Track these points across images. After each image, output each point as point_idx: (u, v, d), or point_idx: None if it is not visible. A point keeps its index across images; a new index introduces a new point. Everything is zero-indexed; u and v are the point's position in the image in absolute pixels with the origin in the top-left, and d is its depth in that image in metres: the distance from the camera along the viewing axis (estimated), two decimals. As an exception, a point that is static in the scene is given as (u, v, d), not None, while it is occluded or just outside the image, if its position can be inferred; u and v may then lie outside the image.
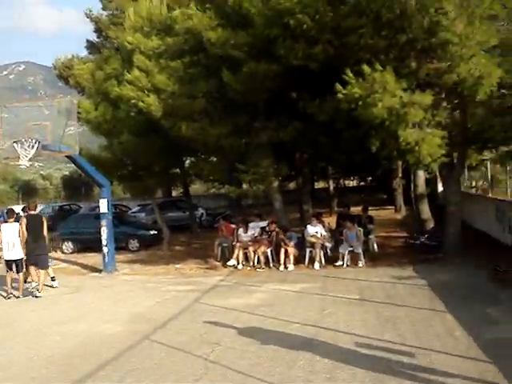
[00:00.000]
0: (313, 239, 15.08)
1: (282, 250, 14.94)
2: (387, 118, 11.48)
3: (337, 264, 14.52)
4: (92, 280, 15.57)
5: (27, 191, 55.40)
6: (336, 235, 16.60)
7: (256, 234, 16.06)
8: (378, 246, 16.73)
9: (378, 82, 11.16)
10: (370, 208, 19.91)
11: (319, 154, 19.22)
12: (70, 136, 16.83)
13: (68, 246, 22.54)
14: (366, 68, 11.29)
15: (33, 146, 13.93)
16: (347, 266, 14.49)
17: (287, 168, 18.46)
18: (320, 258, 14.78)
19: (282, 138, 15.61)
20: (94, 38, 34.90)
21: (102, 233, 16.34)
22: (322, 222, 16.34)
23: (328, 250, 15.73)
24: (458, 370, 6.40)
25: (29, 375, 7.31)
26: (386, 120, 11.55)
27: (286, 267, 14.75)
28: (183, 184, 25.86)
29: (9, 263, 12.94)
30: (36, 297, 12.90)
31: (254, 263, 15.30)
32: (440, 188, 25.57)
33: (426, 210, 19.75)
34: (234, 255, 15.49)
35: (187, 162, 25.06)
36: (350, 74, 11.44)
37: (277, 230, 15.89)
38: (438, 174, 21.12)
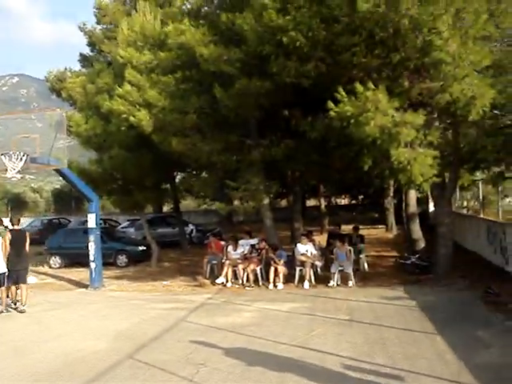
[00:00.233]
0: (303, 258, 14.94)
1: (272, 269, 14.77)
2: (379, 136, 11.39)
3: (329, 284, 14.36)
4: (78, 296, 15.34)
5: (17, 204, 54.99)
6: (326, 254, 16.49)
7: (246, 252, 15.90)
8: (368, 265, 16.65)
9: (370, 100, 11.08)
10: (361, 227, 19.86)
11: (311, 171, 19.13)
12: (60, 149, 16.69)
13: (56, 260, 22.29)
14: (358, 86, 11.22)
15: (21, 159, 13.76)
16: (337, 285, 14.35)
17: (278, 185, 18.41)
18: (310, 277, 14.63)
19: (274, 156, 15.53)
20: (87, 51, 34.88)
21: (89, 248, 16.16)
22: (312, 241, 16.23)
23: (318, 269, 15.60)
24: (449, 395, 6.27)
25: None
26: (378, 139, 11.46)
27: (275, 286, 14.59)
28: (173, 200, 25.69)
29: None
30: (20, 312, 12.69)
31: (243, 281, 15.13)
32: (431, 208, 25.52)
33: (417, 230, 19.69)
34: (223, 273, 15.31)
35: (178, 177, 24.95)
36: (343, 92, 11.36)
37: (267, 247, 15.75)
38: (429, 193, 21.07)
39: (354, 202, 45.59)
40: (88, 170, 20.60)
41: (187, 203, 41.48)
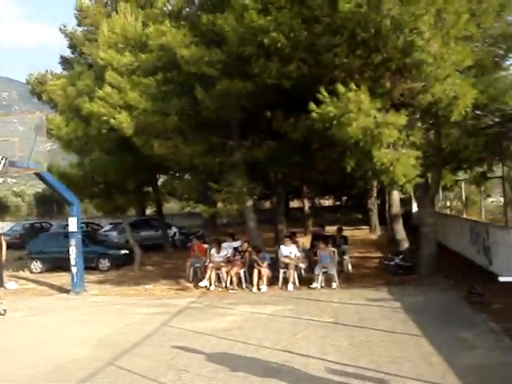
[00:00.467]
0: (286, 260, 14.85)
1: (256, 271, 14.68)
2: (362, 137, 11.33)
3: (312, 286, 14.27)
4: (59, 301, 15.14)
5: (-2, 208, 54.43)
6: (310, 256, 16.42)
7: (229, 255, 15.77)
8: (352, 266, 16.60)
9: (352, 101, 11.02)
10: (344, 228, 19.82)
11: (294, 173, 19.09)
12: (40, 153, 16.50)
13: (37, 265, 21.98)
14: (340, 87, 11.16)
15: (-1, 163, 13.58)
16: (321, 287, 14.27)
17: (261, 187, 18.28)
18: (294, 279, 14.55)
19: (257, 157, 15.44)
20: (68, 53, 34.58)
21: (70, 252, 15.97)
22: (296, 243, 16.15)
23: (302, 271, 15.52)
24: (434, 398, 6.20)
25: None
26: (360, 140, 11.41)
27: (259, 288, 14.48)
28: (156, 202, 25.52)
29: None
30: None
31: (226, 284, 15.00)
32: (415, 208, 25.57)
33: (400, 231, 19.69)
34: (206, 276, 15.17)
35: (160, 180, 24.78)
36: (325, 93, 11.29)
37: (250, 250, 15.64)
38: (412, 194, 21.10)
39: (337, 203, 45.65)
40: (69, 173, 20.35)
41: (170, 206, 41.27)
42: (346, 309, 11.67)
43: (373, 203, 29.62)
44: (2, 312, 12.99)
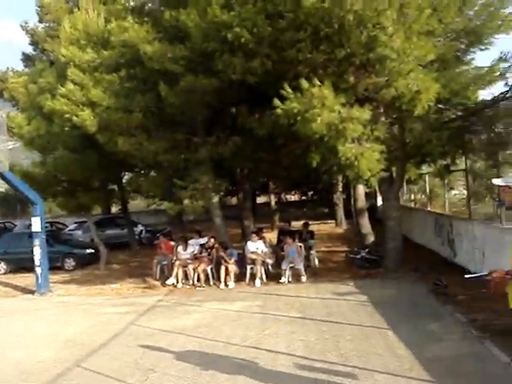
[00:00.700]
0: (253, 256, 14.84)
1: (223, 268, 14.63)
2: (326, 133, 11.36)
3: (280, 281, 14.29)
4: (24, 302, 14.87)
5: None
6: (277, 251, 16.43)
7: (196, 252, 15.69)
8: (319, 261, 16.67)
9: (316, 97, 11.02)
10: (311, 222, 19.88)
11: (260, 168, 19.09)
12: (1, 151, 16.15)
13: (0, 266, 21.59)
14: (304, 83, 11.15)
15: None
16: (289, 282, 14.30)
17: (227, 183, 18.25)
18: (261, 275, 14.54)
19: (222, 154, 15.36)
20: (30, 50, 34.03)
21: (34, 252, 15.72)
22: (262, 238, 16.14)
23: (269, 267, 15.53)
24: (401, 391, 6.25)
25: None
26: (325, 135, 11.43)
27: (226, 285, 14.44)
28: (121, 200, 25.26)
29: None
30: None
31: (193, 281, 14.92)
32: (380, 202, 25.79)
33: (366, 224, 19.84)
34: (173, 273, 15.07)
35: (126, 177, 24.52)
36: (289, 89, 11.28)
37: (216, 246, 15.59)
38: (377, 188, 21.28)
39: (303, 197, 45.77)
40: (31, 172, 20.02)
41: (136, 203, 40.85)
42: (313, 303, 11.70)
43: (338, 198, 29.82)
44: None
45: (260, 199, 43.81)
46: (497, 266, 10.38)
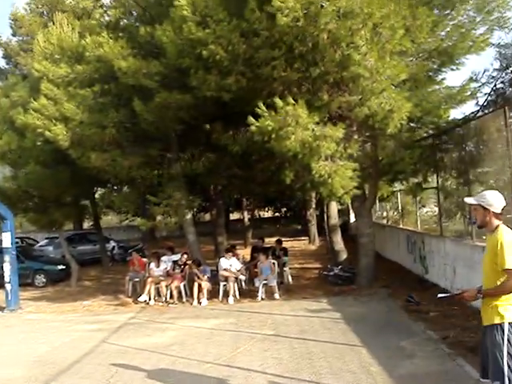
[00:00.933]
0: (225, 273, 14.77)
1: (196, 285, 14.53)
2: (300, 150, 11.44)
3: (254, 298, 14.24)
4: (-7, 320, 14.60)
5: None
6: (250, 268, 16.41)
7: (168, 268, 15.59)
8: (292, 278, 16.67)
9: (290, 115, 11.10)
10: (284, 239, 19.94)
11: (234, 185, 19.12)
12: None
13: (-31, 282, 21.20)
14: (278, 101, 11.22)
15: None
16: (262, 299, 14.25)
17: (201, 200, 18.25)
18: (234, 292, 14.48)
19: (195, 170, 15.38)
20: (3, 64, 33.83)
21: (4, 268, 15.48)
22: (236, 255, 16.11)
23: (242, 284, 15.50)
24: (374, 409, 6.25)
25: None
26: (298, 153, 11.51)
27: (199, 302, 14.34)
28: (94, 216, 25.04)
29: None
30: None
31: (166, 298, 14.80)
32: (352, 219, 25.96)
33: (339, 241, 19.91)
34: (146, 290, 14.94)
35: (98, 193, 24.37)
36: (263, 107, 11.33)
37: (189, 263, 15.51)
38: (350, 205, 21.41)
39: (277, 214, 45.90)
40: (2, 186, 19.84)
41: (109, 219, 40.64)
42: (286, 320, 11.68)
43: (311, 214, 29.92)
44: None
45: (233, 216, 43.86)
46: (468, 282, 10.54)
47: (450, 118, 15.75)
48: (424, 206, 19.83)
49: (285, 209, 43.67)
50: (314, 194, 25.22)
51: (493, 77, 16.87)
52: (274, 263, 15.27)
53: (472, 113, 16.73)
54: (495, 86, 17.08)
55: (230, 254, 15.57)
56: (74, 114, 14.96)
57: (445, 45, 13.41)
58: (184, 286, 15.11)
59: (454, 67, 14.23)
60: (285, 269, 16.59)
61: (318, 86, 12.41)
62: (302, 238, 31.78)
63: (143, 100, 14.05)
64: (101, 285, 19.65)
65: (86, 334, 11.69)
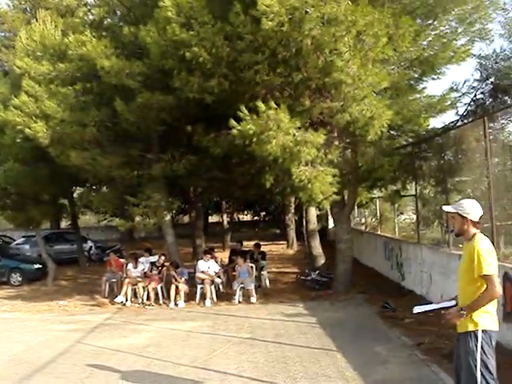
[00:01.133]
0: (201, 275, 14.74)
1: (173, 287, 14.49)
2: (281, 155, 11.48)
3: (231, 301, 14.23)
4: (-34, 318, 14.43)
5: None
6: (228, 271, 16.41)
7: (146, 270, 15.52)
8: (270, 281, 16.70)
9: (272, 119, 11.14)
10: (263, 243, 19.96)
11: (213, 187, 19.11)
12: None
13: None
14: (260, 105, 11.26)
15: None
16: (239, 302, 14.26)
17: (180, 202, 18.19)
18: (211, 295, 14.47)
19: (176, 171, 15.33)
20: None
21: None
22: (214, 258, 16.09)
23: (220, 287, 15.49)
24: (348, 414, 6.29)
25: None
26: (279, 157, 11.56)
27: (176, 304, 14.30)
28: (71, 215, 24.82)
29: None
30: None
31: (143, 300, 14.73)
32: (331, 224, 26.06)
33: (317, 246, 19.99)
34: (123, 291, 14.85)
35: (77, 192, 24.20)
36: (245, 111, 11.36)
37: (167, 265, 15.47)
38: (329, 210, 21.50)
39: (256, 218, 45.95)
40: (-22, 184, 19.57)
41: (87, 219, 40.34)
42: (263, 324, 11.69)
43: (290, 219, 29.98)
44: None
45: (212, 218, 43.81)
46: (443, 290, 10.65)
47: (429, 127, 15.95)
48: (402, 214, 20.01)
49: (264, 213, 43.74)
50: (293, 199, 25.32)
51: (473, 87, 17.17)
52: (251, 267, 15.30)
53: (452, 122, 17.01)
54: (475, 96, 17.37)
55: (209, 256, 15.54)
56: (54, 111, 14.84)
57: (426, 54, 13.58)
58: (161, 287, 15.06)
59: (435, 77, 14.42)
60: (262, 272, 16.61)
61: (301, 91, 12.48)
62: (281, 242, 31.83)
63: (125, 100, 14.00)
64: (77, 285, 19.49)
65: (62, 334, 11.60)
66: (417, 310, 5.92)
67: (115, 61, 13.72)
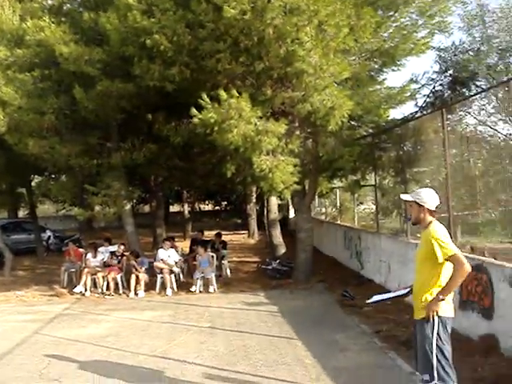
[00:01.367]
0: (159, 265, 14.65)
1: (133, 276, 14.38)
2: (242, 144, 11.48)
3: (191, 290, 14.20)
4: None
5: None
6: (189, 260, 16.38)
7: (105, 259, 15.37)
8: (231, 271, 16.71)
9: (233, 108, 11.12)
10: (224, 233, 19.97)
11: (174, 177, 19.01)
12: None
13: None
14: (222, 93, 11.22)
15: None
16: (200, 292, 14.23)
17: (140, 191, 18.04)
18: (172, 284, 14.41)
19: (136, 160, 15.20)
20: None
21: None
22: (174, 247, 16.02)
23: (181, 276, 15.44)
24: (307, 401, 6.35)
25: None
26: (240, 146, 11.55)
27: (136, 294, 14.19)
28: (29, 204, 24.41)
29: None
30: None
31: (102, 290, 14.58)
32: (292, 214, 26.21)
33: (277, 236, 20.09)
34: (82, 281, 14.67)
35: (35, 180, 23.79)
36: (206, 99, 11.31)
37: (127, 254, 15.35)
38: (290, 200, 21.61)
39: (217, 207, 45.90)
40: None
41: (45, 208, 39.68)
42: (223, 313, 11.70)
43: (252, 209, 30.03)
44: None
45: (173, 208, 43.59)
46: (401, 278, 10.83)
47: (389, 118, 16.15)
48: (362, 203, 20.26)
49: (225, 202, 43.71)
50: (254, 189, 25.33)
51: (432, 79, 17.46)
52: (212, 256, 15.28)
53: (411, 113, 17.25)
54: (434, 88, 17.67)
55: (169, 244, 15.46)
56: (12, 98, 14.49)
57: (387, 46, 13.70)
58: (121, 277, 14.93)
59: (395, 68, 14.58)
60: (223, 262, 16.61)
61: (262, 80, 12.48)
62: (242, 231, 31.90)
63: (84, 87, 13.78)
64: (35, 275, 19.17)
65: (19, 325, 11.40)
66: (371, 300, 6.00)
67: (74, 47, 13.48)
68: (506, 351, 7.28)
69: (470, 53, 16.42)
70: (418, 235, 5.67)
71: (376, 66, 14.63)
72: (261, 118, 11.72)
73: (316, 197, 21.23)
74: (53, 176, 22.16)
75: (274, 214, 20.98)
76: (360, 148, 14.36)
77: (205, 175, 17.95)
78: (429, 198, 5.30)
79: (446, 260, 5.00)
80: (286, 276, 15.48)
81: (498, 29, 15.73)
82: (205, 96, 11.35)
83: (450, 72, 17.25)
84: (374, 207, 15.70)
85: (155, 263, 14.83)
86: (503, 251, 9.74)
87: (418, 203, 5.30)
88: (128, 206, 16.61)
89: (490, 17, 16.16)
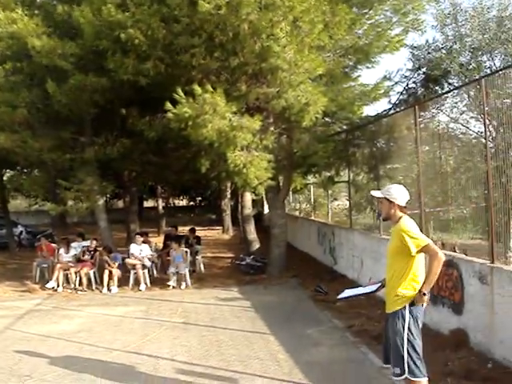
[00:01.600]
0: (131, 261, 14.57)
1: (106, 272, 14.28)
2: (216, 139, 11.48)
3: (168, 283, 14.13)
4: None
5: None
6: (163, 256, 16.32)
7: (78, 255, 15.24)
8: (204, 266, 16.70)
9: (208, 103, 11.10)
10: (198, 228, 19.92)
11: (148, 172, 18.93)
12: None
13: None
14: (196, 88, 11.19)
15: None
16: (173, 287, 14.19)
17: (114, 186, 17.92)
18: (145, 280, 14.35)
19: (109, 155, 15.11)
20: None
21: None
22: (147, 242, 15.96)
23: (154, 271, 15.38)
24: (280, 395, 6.39)
25: None
26: (215, 142, 11.55)
27: (109, 289, 14.10)
28: (1, 199, 24.11)
29: None
30: None
31: (75, 285, 14.45)
32: (266, 210, 26.26)
33: (252, 231, 20.11)
34: (54, 277, 14.52)
35: (6, 175, 23.51)
36: (181, 94, 11.28)
37: (100, 250, 15.24)
38: (264, 196, 21.65)
39: (191, 203, 45.81)
40: None
41: (17, 203, 39.21)
42: (197, 309, 11.69)
43: (226, 204, 30.02)
44: None
45: (147, 203, 43.38)
46: (373, 273, 10.92)
47: (363, 115, 16.25)
48: (336, 199, 20.36)
49: (200, 198, 43.68)
50: (229, 184, 25.36)
51: (405, 76, 17.59)
52: (186, 252, 15.24)
53: (384, 110, 17.38)
54: (407, 85, 17.81)
55: (141, 238, 15.40)
56: (-17, 91, 14.35)
57: (361, 43, 13.81)
58: (94, 272, 14.81)
59: (369, 65, 14.72)
60: (197, 257, 16.58)
61: (237, 76, 12.49)
62: (216, 227, 31.88)
63: (57, 81, 13.65)
64: (7, 270, 18.92)
65: (-11, 320, 11.29)
66: (341, 295, 6.06)
67: (47, 40, 13.35)
68: (475, 345, 7.40)
69: (443, 51, 16.55)
70: (390, 231, 5.76)
71: (350, 63, 14.73)
72: (235, 113, 11.73)
73: (290, 193, 21.32)
74: (25, 170, 21.89)
75: (248, 209, 21.00)
76: (334, 144, 14.44)
77: (179, 170, 17.90)
78: (399, 194, 5.36)
79: (420, 251, 5.06)
80: (259, 271, 15.52)
81: (470, 27, 15.86)
82: (179, 91, 11.32)
83: (423, 70, 17.39)
84: (347, 203, 15.80)
85: (127, 260, 14.75)
86: (474, 247, 9.86)
87: (388, 199, 5.36)
88: (101, 201, 16.53)
89: (462, 15, 16.29)
